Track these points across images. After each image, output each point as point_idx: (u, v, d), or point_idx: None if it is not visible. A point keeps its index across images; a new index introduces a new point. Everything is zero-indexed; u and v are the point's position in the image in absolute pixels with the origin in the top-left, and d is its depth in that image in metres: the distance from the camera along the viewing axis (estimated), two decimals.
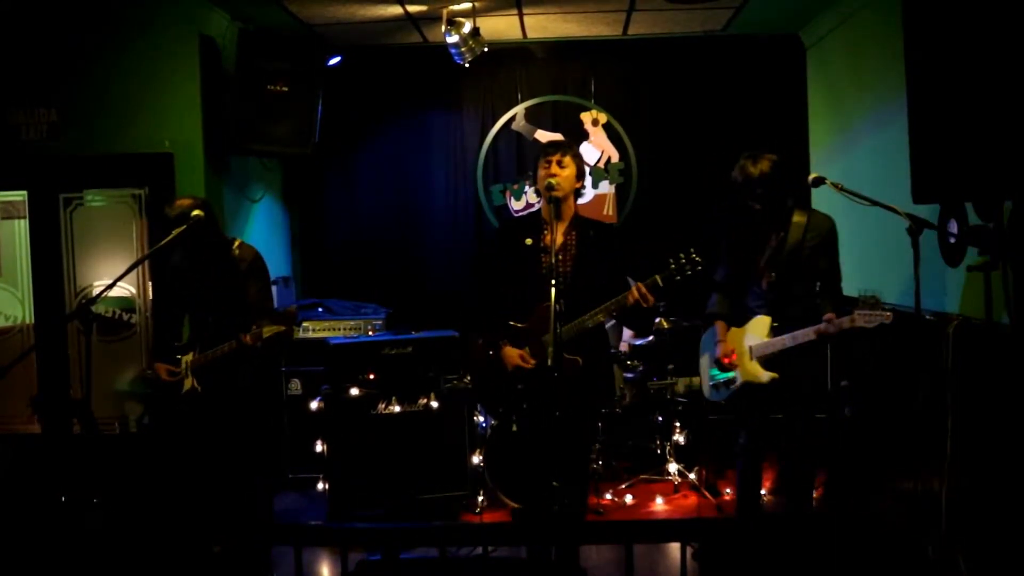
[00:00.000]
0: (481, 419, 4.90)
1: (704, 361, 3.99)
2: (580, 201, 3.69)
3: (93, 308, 3.69)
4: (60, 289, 5.05)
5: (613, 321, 3.73)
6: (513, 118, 6.45)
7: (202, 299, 3.99)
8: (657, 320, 5.23)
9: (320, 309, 5.78)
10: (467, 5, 5.24)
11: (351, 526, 3.69)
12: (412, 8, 5.34)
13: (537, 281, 3.38)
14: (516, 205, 6.45)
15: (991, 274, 3.44)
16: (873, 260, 4.70)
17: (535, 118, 6.45)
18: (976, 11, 3.07)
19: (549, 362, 3.15)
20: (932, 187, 3.32)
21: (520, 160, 6.46)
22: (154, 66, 5.07)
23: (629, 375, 5.22)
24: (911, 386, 3.95)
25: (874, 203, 3.44)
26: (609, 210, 6.44)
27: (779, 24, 5.98)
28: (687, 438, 5.17)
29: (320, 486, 4.89)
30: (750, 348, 3.72)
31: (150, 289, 5.06)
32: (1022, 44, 2.94)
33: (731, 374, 3.77)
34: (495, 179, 6.50)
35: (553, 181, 3.41)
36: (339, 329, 5.54)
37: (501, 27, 5.83)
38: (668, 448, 5.12)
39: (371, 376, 4.77)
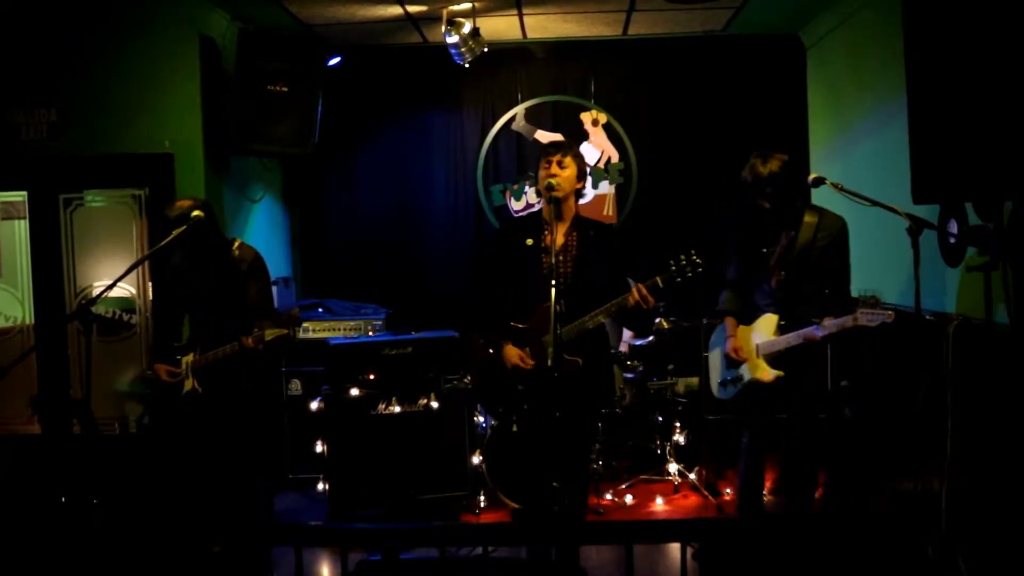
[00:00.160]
0: (481, 419, 4.90)
1: (713, 357, 4.02)
2: (581, 202, 3.69)
3: (93, 308, 3.68)
4: (60, 289, 5.04)
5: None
6: (513, 118, 6.45)
7: (202, 300, 3.99)
8: (657, 320, 5.24)
9: (320, 309, 5.78)
10: (467, 5, 5.24)
11: (351, 526, 3.69)
12: (412, 8, 5.34)
13: (538, 282, 3.38)
14: (516, 205, 6.45)
15: (991, 274, 3.44)
16: (873, 260, 4.70)
17: (535, 118, 6.44)
18: (976, 11, 3.07)
19: (549, 363, 3.15)
20: (932, 187, 3.32)
21: (520, 160, 6.46)
22: (154, 66, 5.07)
23: (629, 375, 5.22)
24: (911, 386, 3.95)
25: (874, 203, 3.44)
26: (609, 210, 6.44)
27: (779, 24, 5.98)
28: (687, 438, 5.17)
29: (320, 486, 4.90)
30: (757, 346, 3.74)
31: (150, 289, 5.06)
32: (1022, 44, 2.95)
33: (739, 371, 3.79)
34: (495, 179, 6.50)
35: (554, 182, 3.41)
36: (339, 329, 5.54)
37: (501, 27, 5.83)
38: (668, 448, 5.13)
39: (371, 376, 4.76)
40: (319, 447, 4.87)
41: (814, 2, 5.46)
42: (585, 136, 6.39)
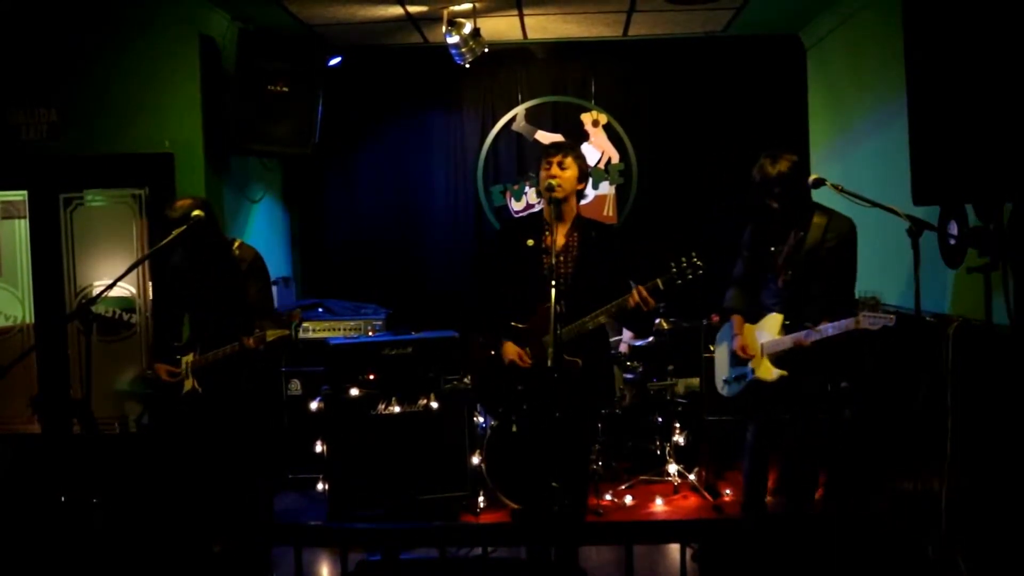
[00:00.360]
0: (481, 419, 4.90)
1: (719, 353, 4.03)
2: (581, 203, 3.69)
3: (93, 308, 3.68)
4: (60, 289, 5.05)
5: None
6: (513, 119, 6.45)
7: (202, 299, 3.99)
8: (657, 321, 5.24)
9: (320, 309, 5.78)
10: (468, 6, 5.25)
11: (351, 526, 3.69)
12: (413, 9, 5.34)
13: (538, 282, 3.38)
14: (516, 206, 6.45)
15: (991, 276, 3.44)
16: (873, 261, 4.69)
17: (535, 119, 6.45)
18: (976, 12, 3.07)
19: (549, 363, 3.15)
20: (932, 188, 3.32)
21: (520, 161, 6.46)
22: (154, 66, 5.07)
23: (629, 376, 5.22)
24: (911, 387, 3.95)
25: (874, 204, 3.45)
26: (609, 211, 6.44)
27: (779, 25, 5.99)
28: (687, 439, 5.17)
29: (320, 486, 4.89)
30: (762, 345, 3.75)
31: (150, 289, 5.06)
32: (1022, 45, 2.95)
33: (745, 368, 3.80)
34: (495, 180, 6.50)
35: (554, 182, 3.41)
36: (339, 329, 5.54)
37: (501, 28, 5.83)
38: (668, 449, 5.13)
39: (371, 376, 4.76)
40: (319, 447, 4.86)
41: (814, 3, 5.46)
42: (585, 137, 6.39)
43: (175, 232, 3.75)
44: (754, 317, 3.84)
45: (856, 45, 5.32)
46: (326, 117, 5.57)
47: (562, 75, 6.46)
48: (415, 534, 2.61)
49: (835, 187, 3.52)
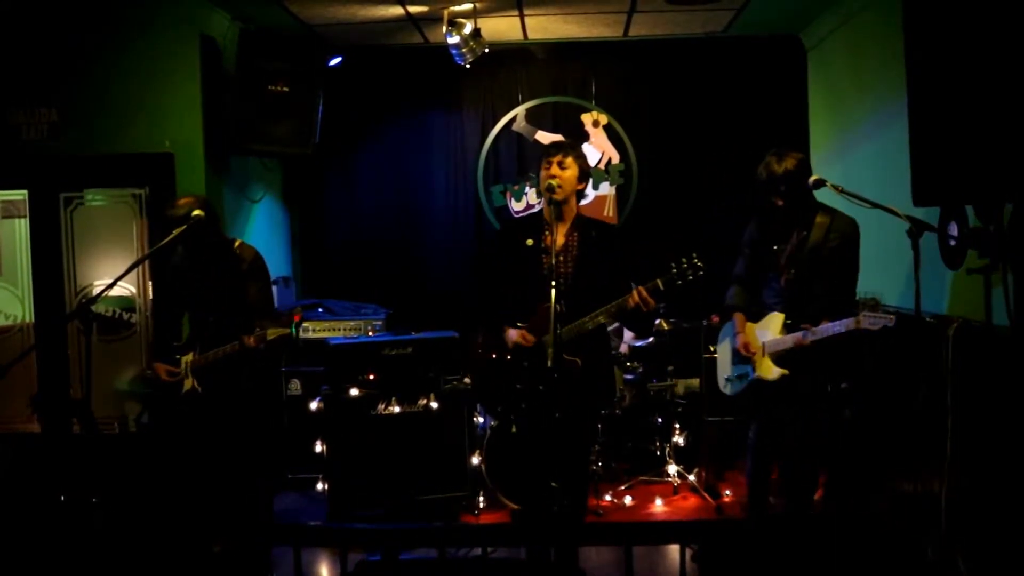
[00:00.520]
0: (481, 419, 4.90)
1: (722, 351, 4.02)
2: (581, 203, 3.69)
3: (93, 308, 3.68)
4: (60, 288, 5.05)
5: (615, 324, 3.73)
6: (514, 119, 6.45)
7: (202, 299, 3.98)
8: (657, 322, 5.24)
9: (320, 309, 5.78)
10: (468, 6, 5.25)
11: (351, 526, 3.70)
12: (413, 9, 5.34)
13: (538, 282, 3.37)
14: (516, 206, 6.45)
15: (991, 276, 3.44)
16: (873, 262, 4.69)
17: (536, 119, 6.45)
18: (977, 12, 3.07)
19: (549, 363, 3.15)
20: (933, 189, 3.32)
21: (520, 161, 6.46)
22: (154, 66, 5.07)
23: (629, 376, 5.22)
24: (911, 387, 3.95)
25: (874, 205, 3.45)
26: (609, 211, 6.44)
27: (780, 25, 5.99)
28: (687, 440, 5.17)
29: (320, 486, 4.89)
30: (763, 344, 3.75)
31: (150, 289, 5.06)
32: (1022, 46, 2.95)
33: (746, 367, 3.80)
34: (495, 180, 6.50)
35: (554, 182, 3.40)
36: (339, 329, 5.54)
37: (502, 28, 5.83)
38: (668, 450, 5.13)
39: (371, 376, 4.76)
40: (319, 447, 4.86)
41: (815, 3, 5.46)
42: (586, 137, 6.39)
43: (175, 231, 3.75)
44: (755, 316, 3.84)
45: (856, 46, 5.32)
46: (326, 117, 5.57)
47: (562, 75, 6.46)
48: (415, 534, 2.62)
49: (835, 188, 3.52)
